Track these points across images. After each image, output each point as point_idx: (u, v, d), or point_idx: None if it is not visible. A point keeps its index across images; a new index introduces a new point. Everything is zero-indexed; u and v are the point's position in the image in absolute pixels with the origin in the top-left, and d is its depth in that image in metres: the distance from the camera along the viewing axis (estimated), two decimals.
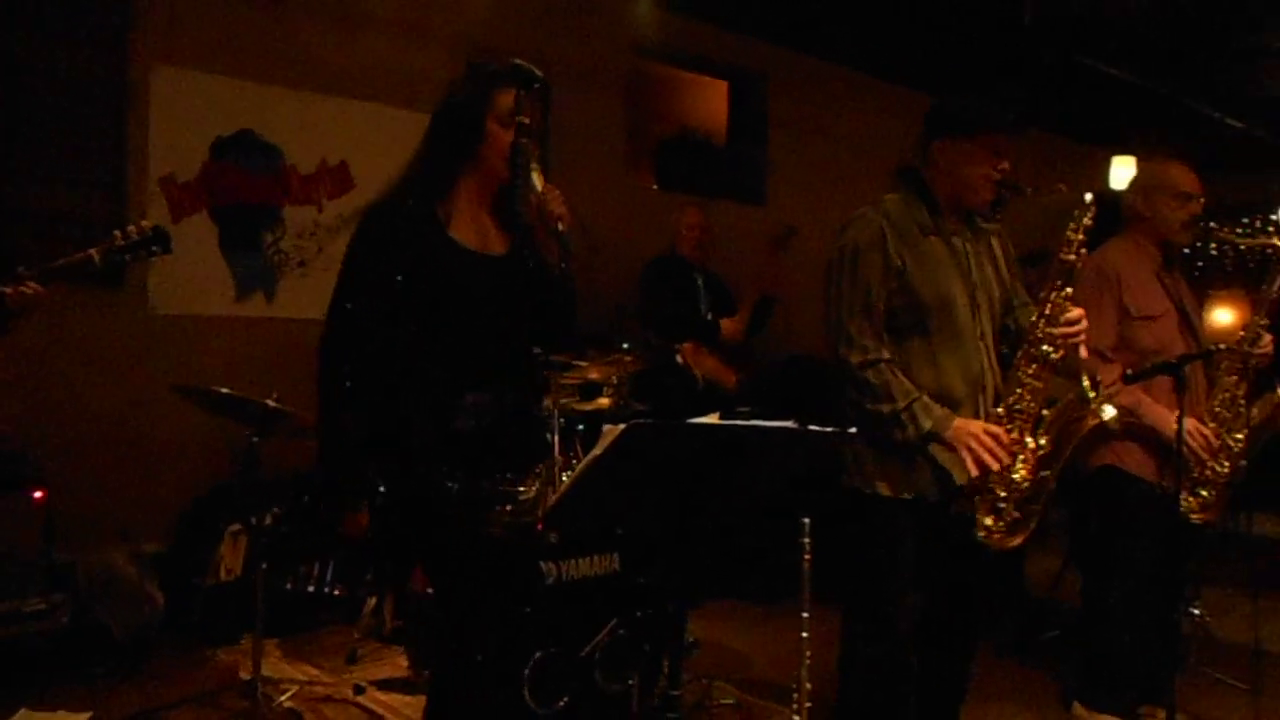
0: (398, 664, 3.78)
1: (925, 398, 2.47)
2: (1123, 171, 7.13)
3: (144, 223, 2.93)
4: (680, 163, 6.29)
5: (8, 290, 2.66)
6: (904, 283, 2.52)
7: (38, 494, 3.61)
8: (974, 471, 2.46)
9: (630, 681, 3.02)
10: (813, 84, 6.74)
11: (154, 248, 2.88)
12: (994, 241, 2.77)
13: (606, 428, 1.62)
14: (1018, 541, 2.55)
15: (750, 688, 3.69)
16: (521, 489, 1.91)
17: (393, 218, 2.20)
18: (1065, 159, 7.67)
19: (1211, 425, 3.21)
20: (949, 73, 6.45)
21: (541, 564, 2.25)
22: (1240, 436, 3.25)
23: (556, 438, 3.16)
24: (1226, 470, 3.25)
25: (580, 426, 3.43)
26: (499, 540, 1.93)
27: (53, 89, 3.97)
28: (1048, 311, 2.51)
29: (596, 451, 1.63)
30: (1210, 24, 5.74)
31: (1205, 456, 3.18)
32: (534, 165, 2.22)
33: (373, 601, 3.89)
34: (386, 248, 2.16)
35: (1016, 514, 2.51)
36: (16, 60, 3.89)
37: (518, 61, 2.24)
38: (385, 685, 3.57)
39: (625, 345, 3.98)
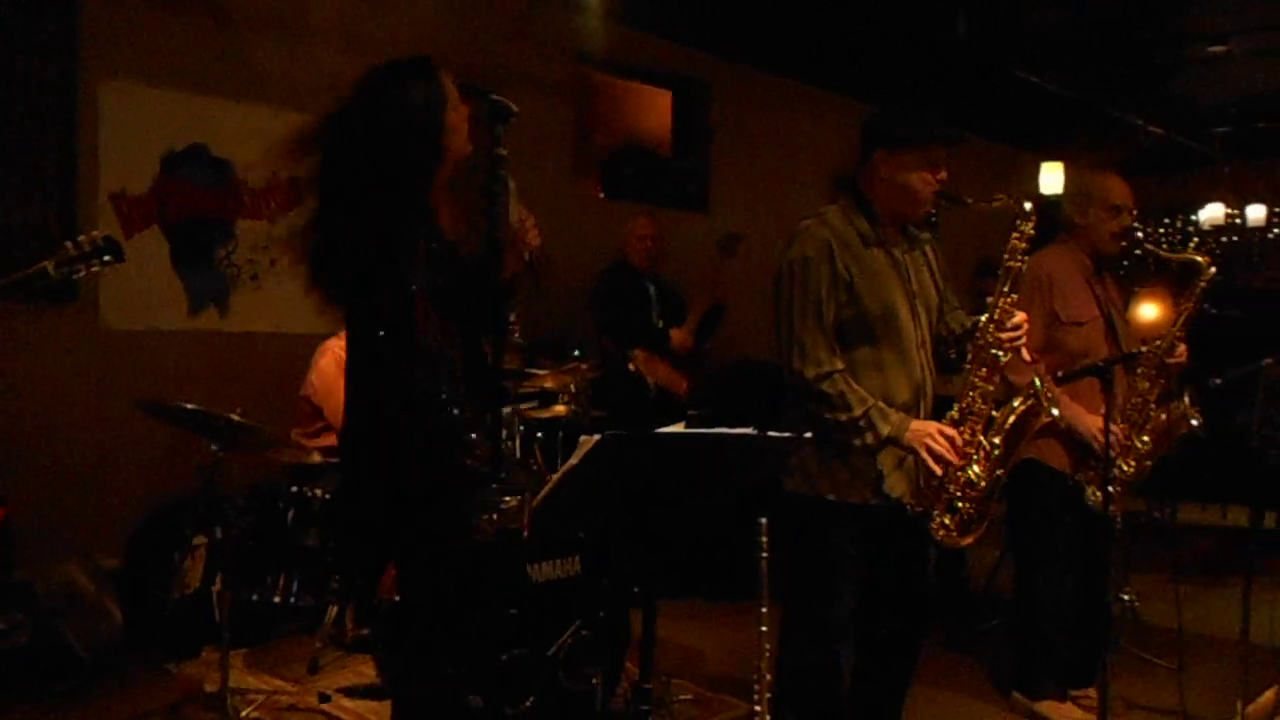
0: (360, 671, 3.82)
1: (880, 404, 2.59)
2: (1051, 177, 7.40)
3: (95, 233, 2.93)
4: (627, 171, 6.40)
5: None
6: (851, 294, 2.63)
7: None
8: (936, 471, 2.58)
9: (594, 680, 3.14)
10: (754, 93, 6.91)
11: (106, 257, 2.85)
12: (927, 250, 2.90)
13: (583, 438, 1.72)
14: (970, 539, 2.69)
15: (707, 682, 3.82)
16: (507, 499, 1.98)
17: (406, 231, 2.15)
18: (996, 165, 7.94)
19: (1123, 425, 3.40)
20: (886, 82, 6.67)
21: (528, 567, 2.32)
22: (1147, 439, 3.45)
23: (518, 443, 3.24)
24: (1132, 469, 3.45)
25: (539, 434, 3.52)
26: (488, 545, 2.00)
27: (1, 103, 3.95)
28: (996, 316, 2.65)
29: (574, 460, 1.73)
30: (1131, 38, 6.01)
31: (1115, 453, 3.37)
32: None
33: (334, 610, 3.94)
34: (405, 268, 2.12)
35: (971, 511, 2.65)
36: None
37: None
38: (350, 692, 3.62)
39: (577, 353, 4.08)
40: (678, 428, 1.88)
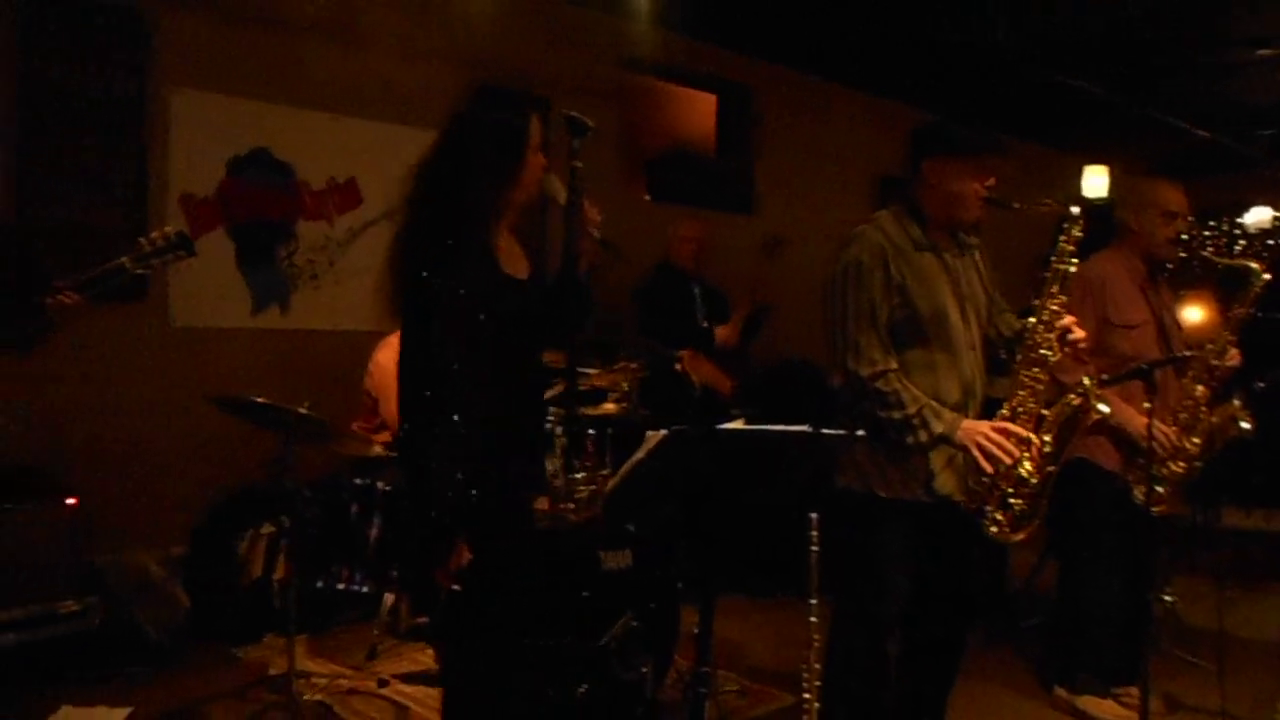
0: (416, 659, 3.97)
1: (933, 403, 2.67)
2: (1095, 179, 7.40)
3: (166, 228, 3.08)
4: (671, 174, 6.50)
5: (47, 300, 2.81)
6: (904, 297, 2.71)
7: (70, 500, 3.76)
8: (988, 469, 2.65)
9: (644, 670, 3.24)
10: (798, 97, 6.98)
11: (179, 251, 3.02)
12: (977, 255, 2.98)
13: (649, 433, 1.82)
14: (1023, 535, 2.76)
15: (751, 675, 3.91)
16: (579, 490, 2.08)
17: (446, 259, 2.25)
18: (1037, 167, 7.95)
19: (1173, 427, 3.45)
20: (929, 85, 6.72)
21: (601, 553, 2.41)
22: (1197, 440, 3.50)
23: (572, 442, 3.35)
24: (1182, 470, 3.50)
25: (590, 431, 3.62)
26: (561, 532, 2.11)
27: (79, 111, 4.13)
28: (1045, 317, 2.72)
29: (640, 454, 1.83)
30: (1176, 40, 6.01)
31: (1164, 455, 3.42)
32: (562, 182, 2.41)
33: (391, 599, 4.08)
34: (446, 290, 2.23)
35: (1024, 507, 2.73)
36: (45, 84, 4.04)
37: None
38: (407, 678, 3.75)
39: (623, 353, 4.18)
40: (738, 424, 1.98)
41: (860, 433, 2.38)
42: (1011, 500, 2.74)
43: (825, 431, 2.06)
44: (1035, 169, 7.83)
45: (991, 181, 2.79)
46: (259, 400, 3.28)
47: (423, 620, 4.20)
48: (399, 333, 4.23)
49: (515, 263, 2.43)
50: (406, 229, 2.37)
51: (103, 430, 4.19)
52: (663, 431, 1.81)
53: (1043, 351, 2.71)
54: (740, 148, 6.86)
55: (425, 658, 3.94)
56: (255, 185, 4.61)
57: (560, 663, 3.05)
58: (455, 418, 2.17)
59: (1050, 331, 2.71)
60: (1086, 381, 2.76)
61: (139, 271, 2.98)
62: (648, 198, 6.44)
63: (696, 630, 3.87)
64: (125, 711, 3.38)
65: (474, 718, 2.40)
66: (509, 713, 2.51)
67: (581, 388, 3.97)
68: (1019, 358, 2.77)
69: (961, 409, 2.75)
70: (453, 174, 2.34)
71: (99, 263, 2.98)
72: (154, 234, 3.02)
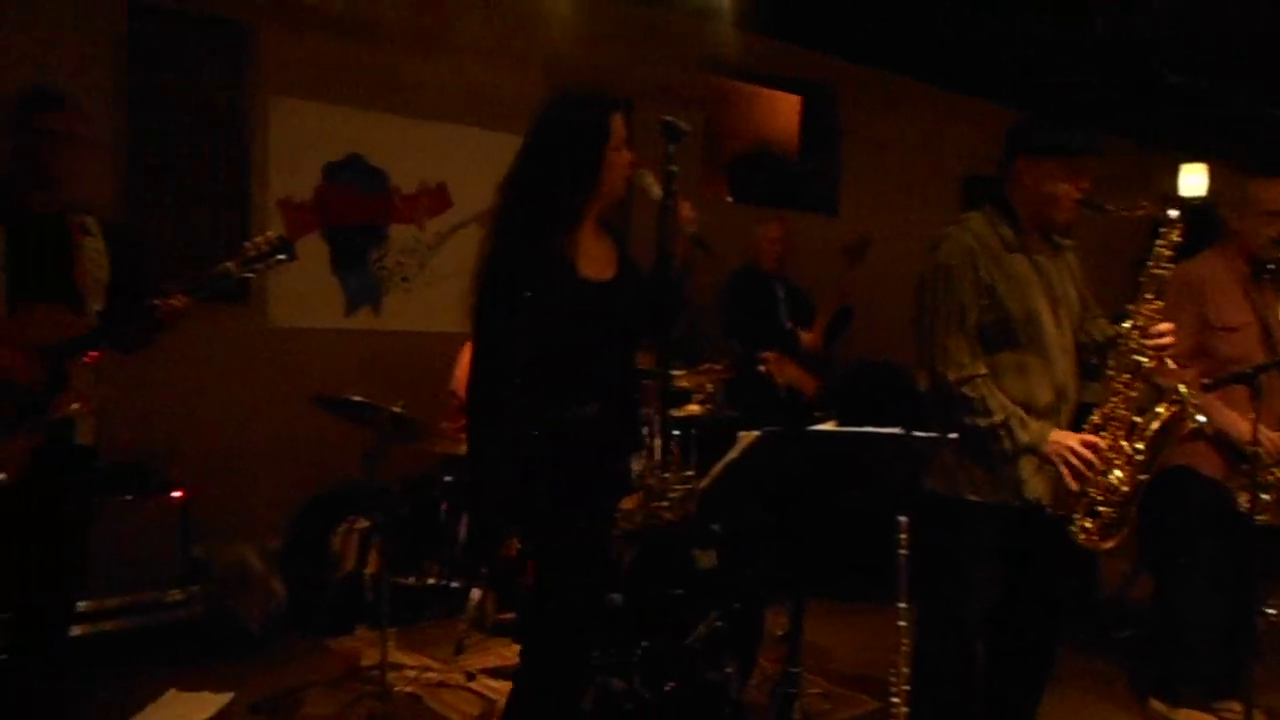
0: (503, 654, 4.03)
1: (1021, 412, 2.63)
2: (1193, 179, 7.17)
3: (269, 233, 3.19)
4: (753, 176, 6.49)
5: (158, 303, 2.93)
6: (994, 300, 2.68)
7: (176, 494, 3.94)
8: (1073, 486, 2.61)
9: (728, 671, 3.25)
10: (883, 96, 6.91)
11: (280, 255, 3.12)
12: (1070, 257, 2.93)
13: (741, 433, 1.84)
14: (1113, 543, 2.71)
15: (835, 679, 3.89)
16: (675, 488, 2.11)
17: (521, 260, 2.29)
18: (1131, 165, 7.74)
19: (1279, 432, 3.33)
20: (1019, 83, 6.59)
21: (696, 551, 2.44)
22: None
23: (659, 442, 3.38)
24: None
25: (675, 432, 3.65)
26: (659, 530, 2.14)
27: (184, 120, 4.31)
28: (1140, 323, 2.67)
29: (733, 455, 1.85)
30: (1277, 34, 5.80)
31: (1270, 461, 3.31)
32: (655, 179, 2.44)
33: (478, 595, 4.16)
34: (518, 289, 2.26)
35: (1113, 515, 2.67)
36: (152, 94, 4.22)
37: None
38: (494, 673, 3.82)
39: (707, 354, 4.20)
40: (830, 425, 1.98)
41: (952, 436, 2.36)
42: (1100, 508, 2.68)
43: (917, 434, 2.05)
44: (1129, 168, 7.63)
45: (1086, 182, 2.73)
46: (355, 399, 3.38)
47: (509, 616, 4.28)
48: None
49: (599, 263, 2.43)
50: (489, 233, 2.40)
51: (206, 427, 4.36)
52: (755, 432, 1.82)
53: (1136, 358, 2.65)
54: (824, 148, 6.82)
55: (511, 653, 3.96)
56: (349, 190, 4.75)
57: (646, 661, 3.08)
58: (512, 416, 2.21)
59: (1145, 338, 2.65)
60: (1182, 389, 2.69)
61: (244, 275, 3.09)
62: (730, 199, 6.44)
63: (780, 633, 3.90)
64: (228, 697, 3.51)
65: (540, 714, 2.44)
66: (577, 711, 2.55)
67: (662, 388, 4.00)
68: (1112, 363, 2.72)
69: (1054, 413, 2.71)
70: (535, 176, 2.36)
71: (205, 267, 3.11)
72: (257, 238, 3.13)
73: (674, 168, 2.27)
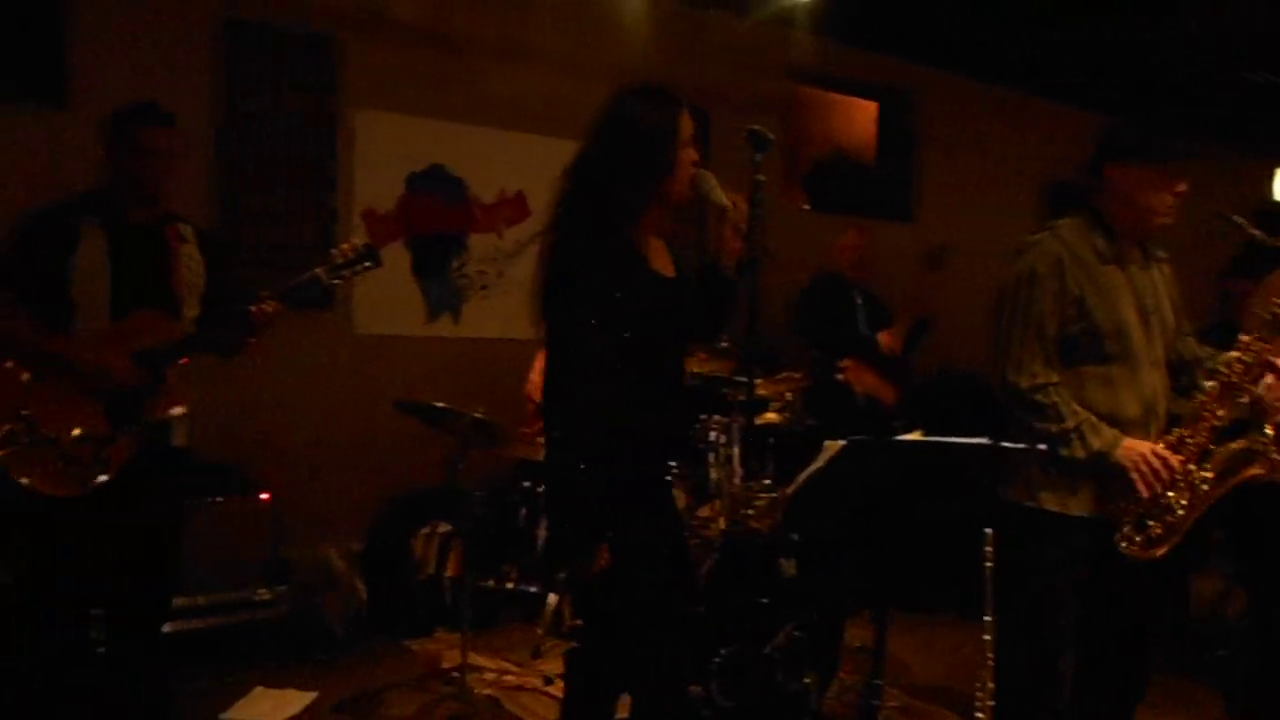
0: None
1: (1093, 418, 2.57)
2: None
3: (355, 240, 3.26)
4: (830, 183, 6.45)
5: (252, 309, 3.02)
6: (1082, 310, 2.61)
7: (264, 496, 4.04)
8: (1144, 493, 2.55)
9: (807, 681, 3.23)
10: (961, 102, 6.82)
11: (367, 262, 3.20)
12: (1165, 269, 2.84)
13: (827, 443, 1.83)
14: (1160, 552, 2.62)
15: (914, 692, 3.83)
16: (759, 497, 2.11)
17: (595, 256, 2.26)
18: (1224, 170, 7.49)
19: None
20: (1103, 86, 6.44)
21: (782, 560, 2.44)
22: None
23: (737, 450, 3.38)
24: None
25: (752, 440, 3.64)
26: (743, 537, 2.14)
27: (274, 133, 4.44)
28: (1248, 359, 2.58)
29: (818, 464, 1.84)
30: None
31: None
32: (715, 180, 2.43)
33: (554, 600, 4.19)
34: (596, 286, 2.23)
35: (1159, 532, 2.60)
36: (245, 107, 4.36)
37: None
38: None
39: (782, 361, 4.18)
40: (916, 435, 1.96)
41: (1042, 446, 2.31)
42: (1150, 523, 2.61)
43: (1006, 444, 2.02)
44: (1219, 172, 7.39)
45: (1183, 188, 2.66)
46: (437, 404, 3.44)
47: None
48: None
49: (661, 260, 2.42)
50: (556, 229, 2.36)
51: (293, 430, 4.48)
52: (841, 441, 1.81)
53: (1237, 395, 2.57)
54: (901, 155, 6.75)
55: None
56: (431, 199, 4.84)
57: (724, 669, 3.08)
58: (598, 417, 2.18)
59: (1248, 375, 2.57)
60: (1269, 431, 2.59)
61: (332, 282, 3.17)
62: (806, 207, 6.41)
63: (857, 644, 3.86)
64: (312, 696, 3.60)
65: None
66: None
67: (744, 397, 4.00)
68: (1209, 385, 2.63)
69: (1141, 427, 2.64)
70: (604, 171, 2.31)
71: (296, 274, 3.20)
72: (344, 245, 3.21)
73: (761, 177, 2.26)
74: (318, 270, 3.14)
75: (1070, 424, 2.57)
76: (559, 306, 2.26)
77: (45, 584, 2.91)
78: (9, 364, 2.77)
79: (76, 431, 2.78)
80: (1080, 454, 2.57)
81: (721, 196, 2.40)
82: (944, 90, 6.74)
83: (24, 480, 2.72)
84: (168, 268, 2.99)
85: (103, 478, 2.79)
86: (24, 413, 2.72)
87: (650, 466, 2.37)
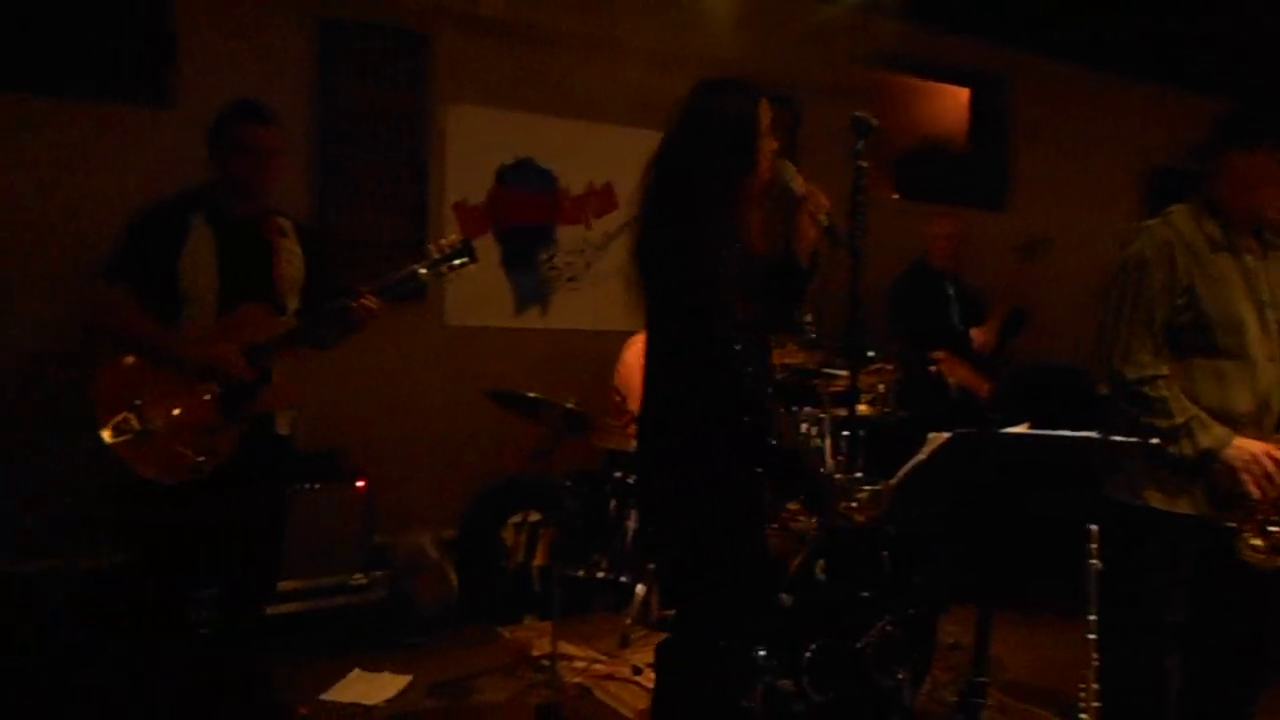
0: None
1: (1203, 415, 2.49)
2: None
3: (452, 236, 3.31)
4: (920, 171, 6.33)
5: (351, 305, 3.09)
6: (1191, 300, 2.53)
7: (360, 484, 4.13)
8: (1255, 494, 2.46)
9: (900, 677, 3.19)
10: (1058, 86, 6.62)
11: (463, 258, 3.25)
12: None
13: (931, 435, 1.80)
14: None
15: (1009, 690, 3.75)
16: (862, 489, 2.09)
17: (709, 246, 2.30)
18: None
19: None
20: (1211, 68, 6.20)
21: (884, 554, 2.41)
22: None
23: (829, 442, 3.35)
24: None
25: (844, 433, 3.60)
26: (846, 531, 2.12)
27: (368, 128, 4.53)
28: None
29: (921, 456, 1.81)
30: None
31: None
32: (793, 169, 2.43)
33: (643, 590, 4.21)
34: (719, 274, 2.29)
35: None
36: (340, 103, 4.46)
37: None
38: None
39: (871, 354, 4.11)
40: (1023, 428, 1.92)
41: (1155, 441, 2.24)
42: (1272, 528, 2.50)
43: (1116, 438, 1.96)
44: None
45: None
46: (530, 395, 3.47)
47: (673, 613, 4.31)
48: (644, 333, 4.36)
49: (753, 242, 2.43)
50: (647, 221, 2.42)
51: (387, 419, 4.58)
52: (945, 434, 1.78)
53: None
54: (994, 142, 6.59)
55: None
56: (520, 192, 4.89)
57: (816, 663, 3.05)
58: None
59: None
60: None
61: (430, 277, 3.21)
62: (896, 196, 6.30)
63: (951, 641, 3.79)
64: (407, 679, 3.68)
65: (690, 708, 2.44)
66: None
67: (834, 389, 3.95)
68: None
69: (1254, 424, 2.54)
70: (691, 162, 2.36)
71: (392, 269, 3.26)
72: (442, 241, 3.26)
73: (864, 163, 2.24)
74: (415, 266, 3.19)
75: (1179, 420, 2.49)
76: (683, 292, 2.30)
77: (154, 566, 3.03)
78: (130, 359, 2.88)
79: (188, 422, 2.87)
80: (1189, 451, 2.49)
81: (800, 184, 2.40)
82: (1038, 74, 6.56)
83: (137, 467, 2.82)
84: (270, 262, 3.07)
85: (211, 466, 2.89)
86: (138, 403, 2.83)
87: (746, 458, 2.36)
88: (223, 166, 3.02)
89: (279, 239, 3.11)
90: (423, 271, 3.19)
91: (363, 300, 3.08)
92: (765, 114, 2.40)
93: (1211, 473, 2.51)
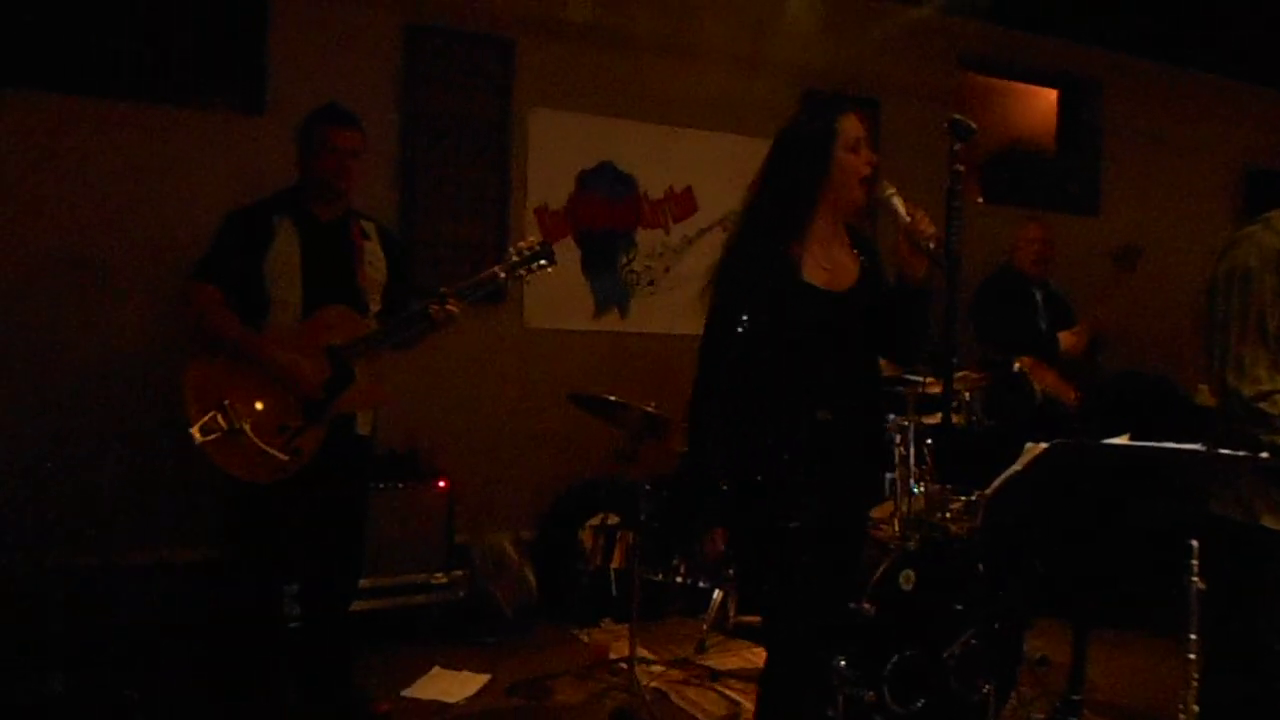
0: (745, 656, 4.05)
1: None
2: None
3: (531, 239, 3.33)
4: (1007, 175, 6.20)
5: (433, 308, 3.12)
6: None
7: (441, 484, 4.19)
8: None
9: (984, 689, 3.12)
10: (1150, 87, 6.43)
11: (542, 260, 3.27)
12: None
13: (1029, 445, 1.75)
14: None
15: (1102, 711, 3.63)
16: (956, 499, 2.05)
17: (747, 264, 2.37)
18: None
19: None
20: None
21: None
22: None
23: (912, 450, 3.29)
24: None
25: (928, 440, 3.53)
26: (936, 543, 2.08)
27: (452, 133, 4.59)
28: None
29: (1017, 467, 1.76)
30: None
31: None
32: (897, 191, 2.39)
33: (719, 595, 4.19)
34: (742, 291, 2.35)
35: None
36: (424, 108, 4.53)
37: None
38: (738, 675, 3.84)
39: (955, 360, 4.02)
40: (1123, 439, 1.86)
41: (1264, 455, 2.15)
42: None
43: (1224, 452, 1.89)
44: None
45: None
46: (611, 398, 3.48)
47: (750, 618, 4.29)
48: None
49: (832, 271, 2.41)
50: (728, 239, 2.49)
51: (469, 421, 4.64)
52: (1044, 444, 1.73)
53: None
54: (1084, 145, 6.42)
55: (753, 655, 4.01)
56: (600, 196, 4.91)
57: (897, 674, 3.01)
58: (727, 413, 2.35)
59: None
60: None
61: (511, 280, 3.25)
62: (981, 200, 6.18)
63: (1038, 656, 3.70)
64: (485, 678, 3.71)
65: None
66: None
67: (919, 394, 3.89)
68: None
69: None
70: (770, 183, 2.43)
71: (473, 272, 3.30)
72: (521, 244, 3.29)
73: (960, 167, 2.20)
74: (496, 269, 3.23)
75: None
76: (710, 310, 2.42)
77: (246, 562, 3.10)
78: (216, 357, 2.95)
79: (274, 421, 2.94)
80: None
81: (900, 207, 2.36)
82: (1129, 76, 6.38)
83: (226, 465, 2.89)
84: (354, 265, 3.13)
85: (297, 466, 2.94)
86: (226, 402, 2.90)
87: (820, 473, 2.35)
88: (308, 168, 3.09)
89: (362, 241, 3.17)
90: (502, 274, 3.22)
91: (446, 303, 3.12)
92: (849, 127, 2.39)
93: None
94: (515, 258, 3.25)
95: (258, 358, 2.94)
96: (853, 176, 2.39)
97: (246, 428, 2.90)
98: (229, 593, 3.18)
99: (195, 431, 2.85)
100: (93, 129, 3.99)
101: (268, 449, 2.91)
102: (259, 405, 2.94)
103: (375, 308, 3.17)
